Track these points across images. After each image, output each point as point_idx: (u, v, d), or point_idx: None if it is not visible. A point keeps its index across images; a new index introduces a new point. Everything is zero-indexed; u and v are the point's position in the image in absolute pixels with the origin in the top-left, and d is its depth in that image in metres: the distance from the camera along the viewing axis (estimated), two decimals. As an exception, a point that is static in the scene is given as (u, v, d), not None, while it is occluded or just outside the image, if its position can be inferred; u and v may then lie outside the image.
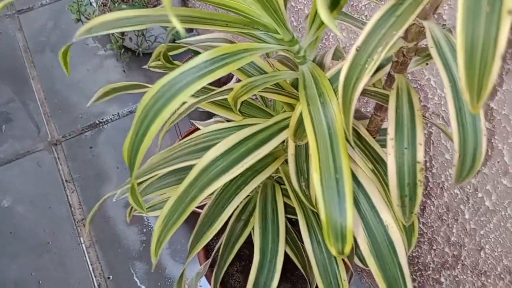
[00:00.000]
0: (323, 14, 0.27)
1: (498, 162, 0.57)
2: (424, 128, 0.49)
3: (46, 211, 1.28)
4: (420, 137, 0.41)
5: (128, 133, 0.40)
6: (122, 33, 1.42)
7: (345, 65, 0.34)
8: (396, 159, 0.41)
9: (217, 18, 0.44)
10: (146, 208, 0.63)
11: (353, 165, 0.45)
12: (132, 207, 0.68)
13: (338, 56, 0.53)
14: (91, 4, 1.46)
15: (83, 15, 1.36)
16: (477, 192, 0.62)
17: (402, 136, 0.41)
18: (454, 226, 0.70)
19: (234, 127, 0.51)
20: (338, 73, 0.42)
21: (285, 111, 0.55)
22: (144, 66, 0.69)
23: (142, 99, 0.40)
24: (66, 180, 1.34)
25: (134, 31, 1.43)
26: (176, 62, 0.57)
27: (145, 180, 0.61)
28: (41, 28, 1.72)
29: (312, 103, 0.39)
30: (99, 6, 1.43)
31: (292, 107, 0.52)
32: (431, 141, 0.66)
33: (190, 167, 0.47)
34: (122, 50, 1.50)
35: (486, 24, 0.27)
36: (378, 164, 0.46)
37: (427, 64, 0.48)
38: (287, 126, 0.50)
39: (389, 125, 0.42)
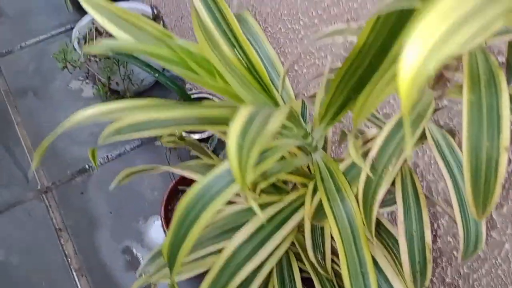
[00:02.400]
0: (354, 155, 0.32)
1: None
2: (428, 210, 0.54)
3: (41, 262, 1.28)
4: (427, 221, 0.46)
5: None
6: (109, 78, 1.44)
7: (362, 176, 0.39)
8: (407, 241, 0.46)
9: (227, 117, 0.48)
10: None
11: (371, 245, 0.50)
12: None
13: (343, 137, 0.59)
14: (75, 49, 1.48)
15: (69, 62, 1.38)
16: (468, 242, 0.68)
17: (411, 220, 0.46)
18: (448, 268, 0.76)
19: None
20: (352, 167, 0.47)
21: (294, 185, 0.60)
22: (158, 144, 0.72)
23: (180, 203, 0.43)
24: (59, 229, 1.34)
25: (120, 74, 1.46)
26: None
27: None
28: (23, 72, 1.71)
29: (332, 199, 0.44)
30: (83, 53, 1.45)
31: (304, 184, 0.57)
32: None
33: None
34: (108, 93, 1.52)
35: (488, 157, 0.32)
36: (390, 241, 0.51)
37: (422, 144, 0.54)
38: (301, 205, 0.54)
39: (398, 209, 0.47)
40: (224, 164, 0.44)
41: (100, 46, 0.41)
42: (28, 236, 1.32)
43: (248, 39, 0.50)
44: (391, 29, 0.37)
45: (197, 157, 1.31)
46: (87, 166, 1.47)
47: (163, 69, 1.65)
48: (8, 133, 1.55)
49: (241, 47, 0.46)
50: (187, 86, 1.66)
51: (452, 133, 0.56)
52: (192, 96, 1.41)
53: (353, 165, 0.47)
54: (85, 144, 1.52)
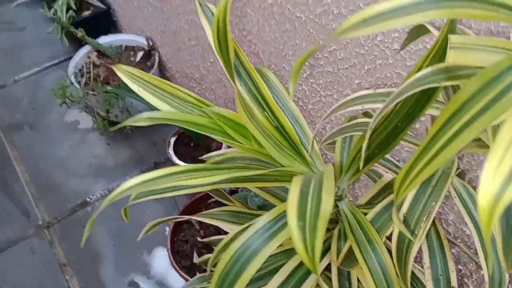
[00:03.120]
0: (398, 225, 0.35)
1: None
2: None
3: (47, 300, 1.27)
4: (452, 266, 0.49)
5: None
6: (108, 111, 1.45)
7: (395, 232, 0.42)
8: (434, 285, 0.49)
9: (267, 174, 0.50)
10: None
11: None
12: None
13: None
14: (72, 84, 1.49)
15: (68, 98, 1.39)
16: (479, 270, 0.72)
17: (436, 265, 0.49)
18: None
19: (283, 253, 0.57)
20: (379, 216, 0.50)
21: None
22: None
23: (220, 263, 0.45)
24: (63, 264, 1.34)
25: (118, 107, 1.47)
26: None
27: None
28: (17, 105, 1.71)
29: (364, 251, 0.46)
30: (81, 87, 1.46)
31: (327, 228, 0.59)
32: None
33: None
34: (107, 125, 1.53)
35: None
36: (415, 283, 0.54)
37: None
38: (328, 249, 0.57)
39: (424, 255, 0.50)
40: (260, 221, 0.47)
41: (142, 119, 0.43)
42: (32, 274, 1.32)
43: (268, 90, 0.53)
44: (416, 101, 0.41)
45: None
46: (87, 199, 1.47)
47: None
48: (5, 169, 1.54)
49: (270, 109, 0.48)
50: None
51: (463, 173, 0.60)
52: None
53: (379, 214, 0.50)
54: (84, 177, 1.53)
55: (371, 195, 0.59)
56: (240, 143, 0.44)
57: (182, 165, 1.33)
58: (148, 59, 1.61)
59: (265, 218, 0.47)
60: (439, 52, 0.38)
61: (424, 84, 0.36)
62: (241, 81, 0.47)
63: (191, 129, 0.43)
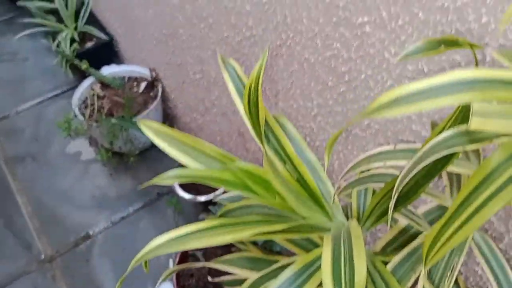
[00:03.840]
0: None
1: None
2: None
3: (50, 337, 1.25)
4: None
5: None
6: (111, 143, 1.46)
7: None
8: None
9: (291, 227, 0.51)
10: None
11: None
12: None
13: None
14: (76, 116, 1.50)
15: (73, 131, 1.39)
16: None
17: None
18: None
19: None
20: (399, 267, 0.50)
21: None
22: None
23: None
24: (66, 300, 1.32)
25: (122, 138, 1.48)
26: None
27: None
28: (20, 137, 1.71)
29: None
30: (86, 119, 1.47)
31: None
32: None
33: None
34: (111, 156, 1.53)
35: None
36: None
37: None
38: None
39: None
40: (284, 274, 0.47)
41: (170, 177, 0.44)
42: (35, 310, 1.30)
43: (289, 142, 0.55)
44: (437, 160, 0.42)
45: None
46: (90, 232, 1.46)
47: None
48: (7, 202, 1.53)
49: (292, 162, 0.50)
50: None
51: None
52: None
53: (400, 264, 0.50)
54: (86, 209, 1.52)
55: (386, 240, 0.60)
56: (265, 197, 0.45)
57: (186, 197, 1.33)
58: (151, 89, 1.62)
59: (289, 271, 0.47)
60: (460, 116, 0.40)
61: (447, 147, 0.37)
62: (266, 139, 0.48)
63: (216, 185, 0.44)
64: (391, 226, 0.61)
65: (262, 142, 0.42)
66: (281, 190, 0.45)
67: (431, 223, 0.61)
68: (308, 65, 0.83)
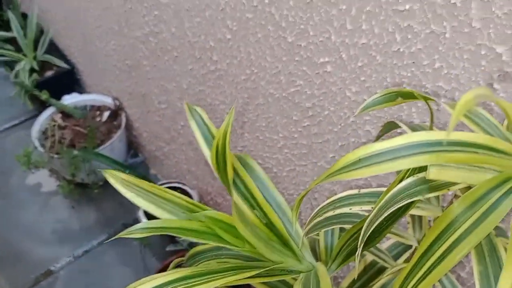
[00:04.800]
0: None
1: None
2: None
3: None
4: None
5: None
6: (73, 175, 1.42)
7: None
8: None
9: (262, 273, 0.51)
10: None
11: None
12: None
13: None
14: (36, 148, 1.45)
15: (33, 164, 1.35)
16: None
17: None
18: None
19: None
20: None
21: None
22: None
23: None
24: None
25: (85, 170, 1.44)
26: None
27: None
28: (-26, 170, 1.64)
29: None
30: (46, 151, 1.43)
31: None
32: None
33: None
34: (72, 188, 1.49)
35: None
36: None
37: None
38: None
39: None
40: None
41: (138, 230, 0.43)
42: None
43: (256, 186, 0.55)
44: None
45: (175, 252, 1.30)
46: (52, 268, 1.41)
47: (128, 163, 1.65)
48: (-38, 239, 1.45)
49: (260, 207, 0.50)
50: (152, 172, 1.66)
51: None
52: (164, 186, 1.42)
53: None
54: (48, 244, 1.47)
55: (353, 277, 0.61)
56: (234, 245, 0.45)
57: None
58: (114, 119, 1.60)
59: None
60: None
61: (408, 196, 0.39)
62: (234, 185, 0.49)
63: (185, 237, 0.44)
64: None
65: (230, 193, 0.43)
66: (249, 238, 0.45)
67: (395, 257, 0.63)
68: (272, 100, 0.85)
